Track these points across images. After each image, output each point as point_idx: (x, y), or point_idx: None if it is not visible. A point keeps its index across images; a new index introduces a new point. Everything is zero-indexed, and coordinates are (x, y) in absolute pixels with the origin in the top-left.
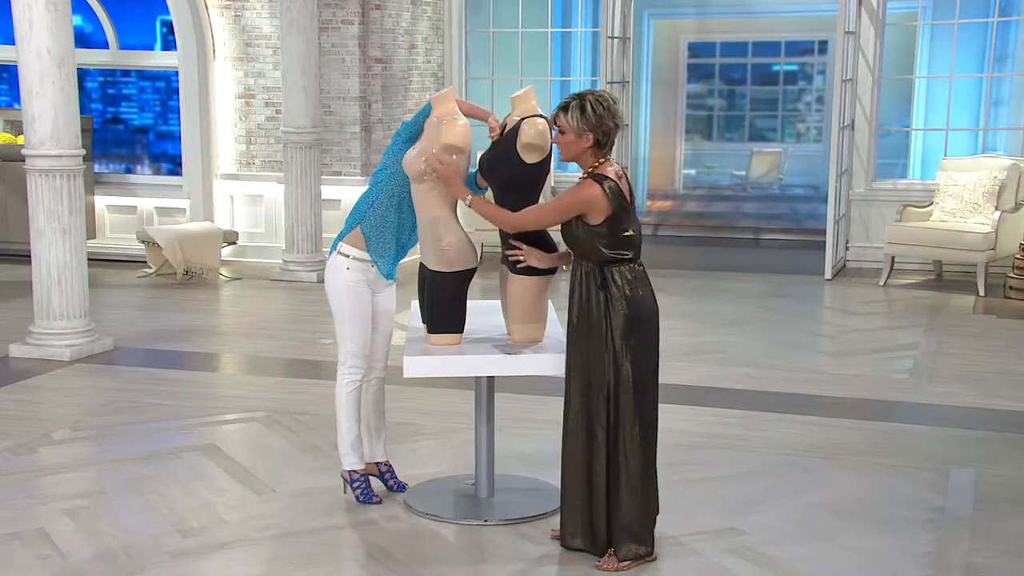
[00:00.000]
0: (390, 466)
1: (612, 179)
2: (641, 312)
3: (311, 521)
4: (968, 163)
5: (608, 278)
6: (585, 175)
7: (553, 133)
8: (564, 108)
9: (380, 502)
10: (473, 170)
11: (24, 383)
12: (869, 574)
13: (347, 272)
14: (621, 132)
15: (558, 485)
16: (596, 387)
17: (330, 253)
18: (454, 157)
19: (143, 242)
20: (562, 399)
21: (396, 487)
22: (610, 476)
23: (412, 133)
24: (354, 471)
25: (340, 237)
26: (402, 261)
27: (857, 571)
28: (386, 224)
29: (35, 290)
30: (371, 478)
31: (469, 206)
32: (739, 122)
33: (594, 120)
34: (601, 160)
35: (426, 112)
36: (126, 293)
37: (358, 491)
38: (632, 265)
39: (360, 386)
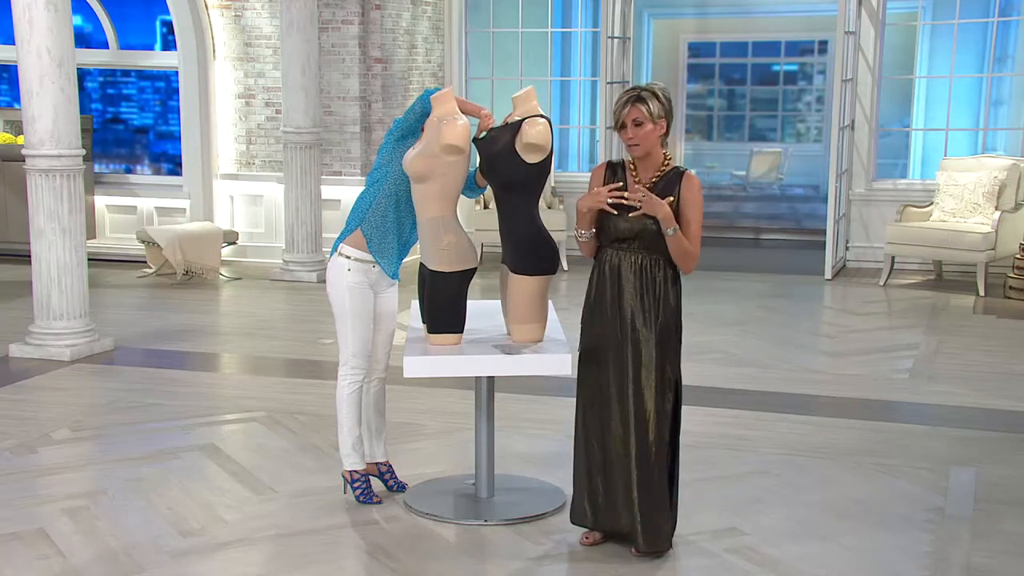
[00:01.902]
0: (390, 466)
1: None
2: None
3: (311, 521)
4: (968, 163)
5: (678, 272)
6: (663, 171)
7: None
8: (638, 99)
9: (380, 502)
10: (472, 169)
11: (24, 383)
12: (869, 574)
13: (348, 274)
14: None
15: (558, 485)
16: (667, 381)
17: (331, 254)
18: (454, 157)
19: (143, 242)
20: (560, 399)
21: (396, 487)
22: (674, 467)
23: (406, 130)
24: (355, 471)
25: (341, 238)
26: (404, 261)
27: (857, 571)
28: (386, 224)
29: (35, 290)
30: (371, 478)
31: (673, 234)
32: (739, 122)
33: (668, 106)
34: (667, 154)
35: (417, 108)
36: (126, 293)
37: (359, 491)
38: None
39: (361, 387)
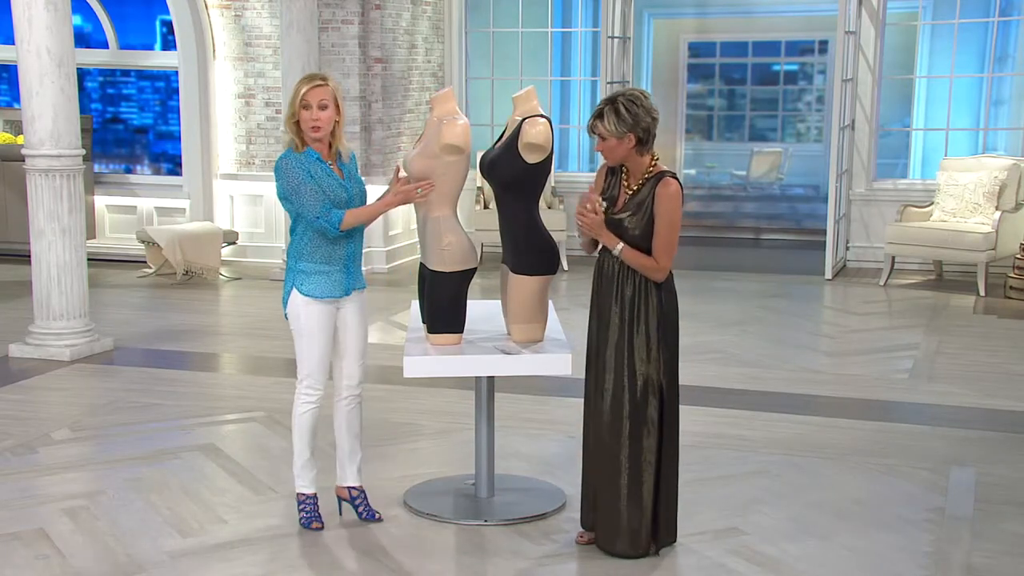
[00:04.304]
0: (363, 491)
1: (673, 172)
2: (676, 305)
3: None
4: (969, 163)
5: (669, 276)
6: (648, 176)
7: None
8: (599, 115)
9: (321, 528)
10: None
11: (24, 383)
12: (869, 574)
13: (299, 289)
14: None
15: (558, 485)
16: (646, 384)
17: (286, 269)
18: (453, 157)
19: (143, 242)
20: (560, 399)
21: (367, 515)
22: (660, 472)
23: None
24: (302, 493)
25: (290, 255)
26: (398, 263)
27: (857, 571)
28: (317, 248)
29: (35, 290)
30: (342, 502)
31: (619, 254)
32: (739, 122)
33: (631, 120)
34: (655, 158)
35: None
36: (126, 293)
37: (302, 515)
38: None
39: (316, 409)
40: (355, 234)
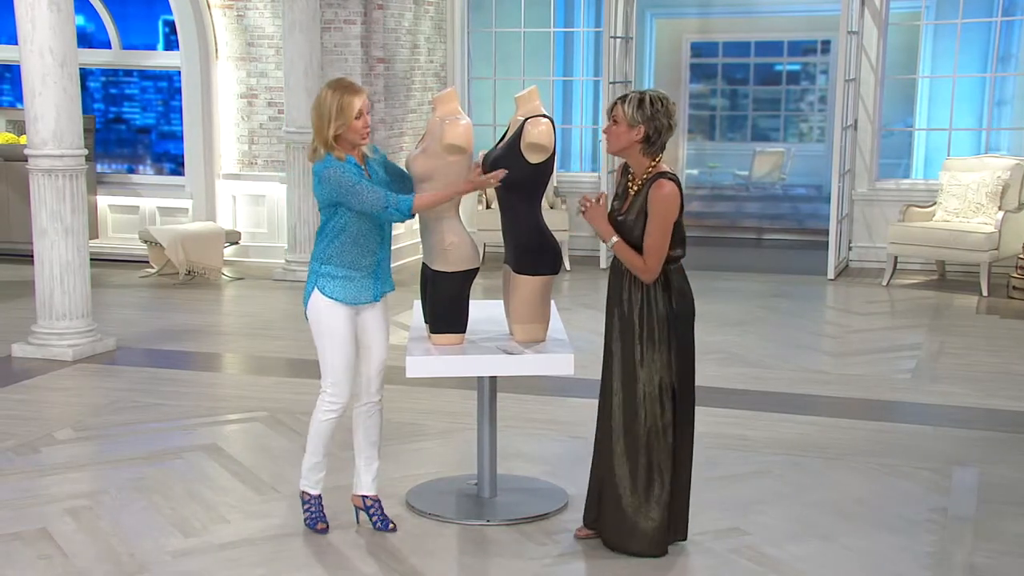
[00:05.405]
0: (377, 501)
1: (674, 174)
2: (690, 307)
3: None
4: (971, 163)
5: (669, 276)
6: (647, 176)
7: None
8: (623, 99)
9: (325, 530)
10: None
11: (26, 383)
12: (871, 574)
13: (322, 291)
14: (672, 136)
15: (560, 485)
16: (657, 385)
17: (309, 271)
18: (455, 157)
19: (145, 242)
20: (562, 399)
21: (381, 525)
22: (675, 472)
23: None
24: (306, 492)
25: (315, 258)
26: (401, 263)
27: (859, 571)
28: (346, 254)
29: (37, 290)
30: (357, 510)
31: (611, 248)
32: (742, 122)
33: (649, 113)
34: (656, 160)
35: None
36: (128, 293)
37: (306, 515)
38: (681, 262)
39: (336, 419)
40: (384, 240)
